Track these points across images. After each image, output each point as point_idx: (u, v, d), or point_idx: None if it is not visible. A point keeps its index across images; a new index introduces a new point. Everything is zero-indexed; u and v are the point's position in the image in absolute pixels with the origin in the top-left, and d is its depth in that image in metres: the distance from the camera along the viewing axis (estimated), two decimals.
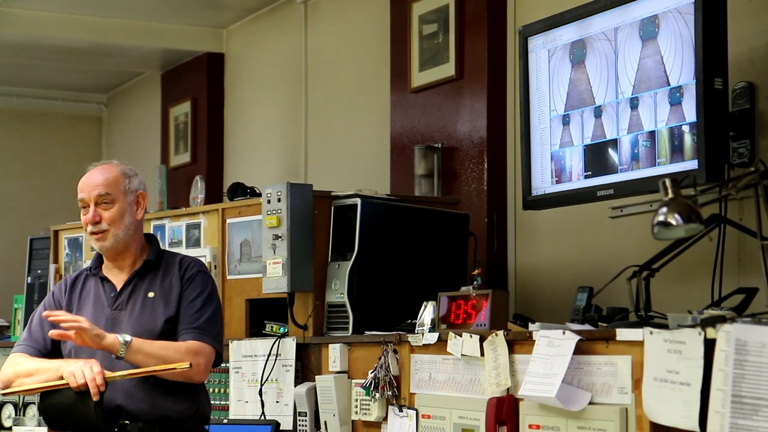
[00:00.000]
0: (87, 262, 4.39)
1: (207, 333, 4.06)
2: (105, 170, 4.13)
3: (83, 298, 4.15)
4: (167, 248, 5.66)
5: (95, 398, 3.84)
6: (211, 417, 5.13)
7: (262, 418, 4.99)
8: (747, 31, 4.29)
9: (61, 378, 3.89)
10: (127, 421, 3.96)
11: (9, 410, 6.77)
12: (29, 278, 7.50)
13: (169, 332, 4.06)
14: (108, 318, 4.07)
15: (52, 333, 3.96)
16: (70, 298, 4.16)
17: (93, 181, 4.10)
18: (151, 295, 4.10)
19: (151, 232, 5.84)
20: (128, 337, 3.92)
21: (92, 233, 4.09)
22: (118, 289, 4.11)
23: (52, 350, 4.11)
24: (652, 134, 4.14)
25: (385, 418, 4.48)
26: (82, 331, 3.86)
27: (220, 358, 4.14)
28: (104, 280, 4.15)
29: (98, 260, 4.20)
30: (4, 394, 3.96)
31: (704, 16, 3.91)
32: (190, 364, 3.89)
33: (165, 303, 4.08)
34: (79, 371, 3.84)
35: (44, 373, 3.97)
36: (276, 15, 7.75)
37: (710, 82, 3.91)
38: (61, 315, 3.94)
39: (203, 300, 4.11)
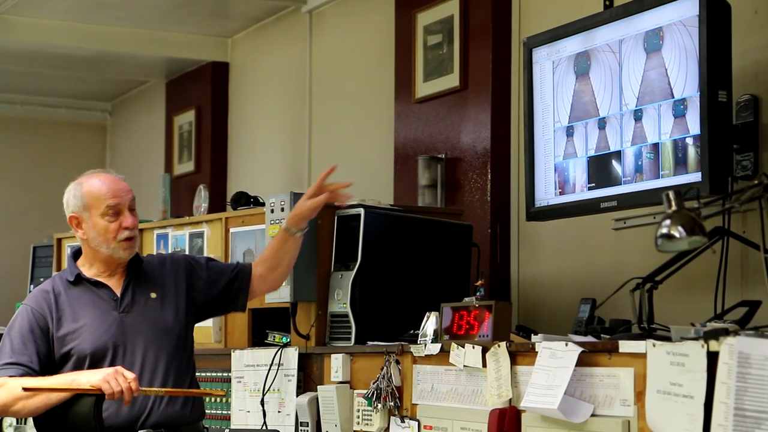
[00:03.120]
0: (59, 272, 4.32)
1: None
2: (116, 176, 4.16)
3: (75, 306, 4.07)
4: None
5: (126, 405, 3.87)
6: (213, 427, 5.15)
7: (264, 427, 4.98)
8: (751, 44, 4.29)
9: (76, 389, 3.86)
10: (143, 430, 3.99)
11: (10, 418, 6.77)
12: (32, 286, 7.51)
13: (184, 332, 4.18)
14: (116, 321, 4.06)
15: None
16: (57, 309, 4.06)
17: (123, 186, 4.10)
18: (153, 296, 4.15)
19: (154, 240, 5.86)
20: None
21: (127, 239, 4.08)
22: (119, 293, 4.11)
23: (41, 370, 3.98)
24: (655, 146, 4.13)
25: (387, 429, 4.48)
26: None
27: None
28: (98, 284, 4.11)
29: (75, 268, 4.14)
30: (25, 389, 3.88)
31: (709, 28, 3.91)
32: (226, 393, 4.30)
33: (171, 305, 4.16)
34: (113, 379, 3.82)
35: (54, 391, 3.89)
36: (281, 24, 7.76)
37: (714, 94, 3.91)
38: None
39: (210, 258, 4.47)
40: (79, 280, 4.12)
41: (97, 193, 4.09)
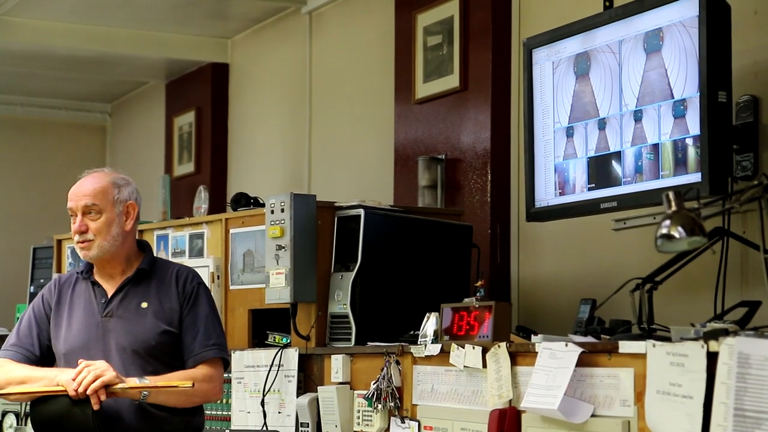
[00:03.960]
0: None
1: (222, 348, 4.14)
2: (95, 179, 4.11)
3: (74, 301, 4.12)
4: (170, 258, 5.67)
5: (95, 407, 3.83)
6: (214, 428, 5.14)
7: (264, 428, 4.98)
8: (751, 45, 4.29)
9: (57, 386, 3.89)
10: None
11: (11, 420, 6.77)
12: (32, 287, 7.51)
13: (164, 344, 4.08)
14: (98, 325, 4.06)
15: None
16: (59, 301, 4.13)
17: (81, 190, 4.08)
18: (144, 305, 4.09)
19: (154, 241, 5.85)
20: (147, 380, 3.94)
21: (78, 242, 4.09)
22: (109, 296, 4.10)
23: (41, 356, 4.09)
24: (655, 147, 4.14)
25: (387, 430, 4.48)
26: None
27: (227, 363, 4.24)
28: (95, 284, 4.13)
29: (90, 263, 4.16)
30: None
31: (708, 29, 3.91)
32: (193, 384, 3.94)
33: (161, 315, 4.09)
34: (79, 376, 3.84)
35: (38, 381, 3.95)
36: (281, 25, 7.76)
37: (714, 95, 3.91)
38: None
39: (211, 315, 4.17)
40: (85, 275, 4.15)
41: (68, 194, 4.14)
